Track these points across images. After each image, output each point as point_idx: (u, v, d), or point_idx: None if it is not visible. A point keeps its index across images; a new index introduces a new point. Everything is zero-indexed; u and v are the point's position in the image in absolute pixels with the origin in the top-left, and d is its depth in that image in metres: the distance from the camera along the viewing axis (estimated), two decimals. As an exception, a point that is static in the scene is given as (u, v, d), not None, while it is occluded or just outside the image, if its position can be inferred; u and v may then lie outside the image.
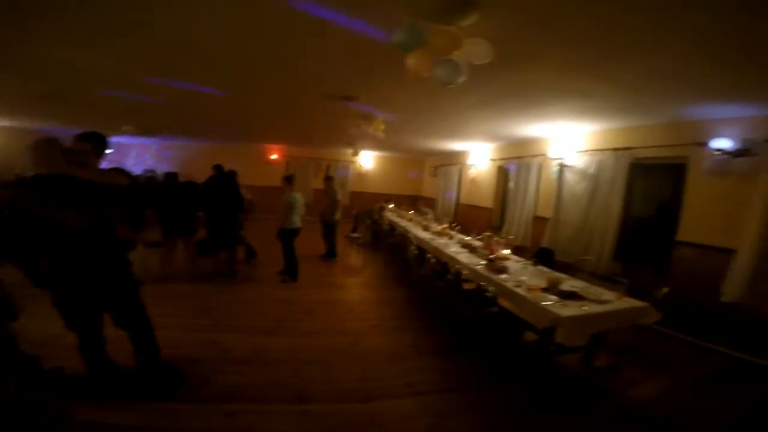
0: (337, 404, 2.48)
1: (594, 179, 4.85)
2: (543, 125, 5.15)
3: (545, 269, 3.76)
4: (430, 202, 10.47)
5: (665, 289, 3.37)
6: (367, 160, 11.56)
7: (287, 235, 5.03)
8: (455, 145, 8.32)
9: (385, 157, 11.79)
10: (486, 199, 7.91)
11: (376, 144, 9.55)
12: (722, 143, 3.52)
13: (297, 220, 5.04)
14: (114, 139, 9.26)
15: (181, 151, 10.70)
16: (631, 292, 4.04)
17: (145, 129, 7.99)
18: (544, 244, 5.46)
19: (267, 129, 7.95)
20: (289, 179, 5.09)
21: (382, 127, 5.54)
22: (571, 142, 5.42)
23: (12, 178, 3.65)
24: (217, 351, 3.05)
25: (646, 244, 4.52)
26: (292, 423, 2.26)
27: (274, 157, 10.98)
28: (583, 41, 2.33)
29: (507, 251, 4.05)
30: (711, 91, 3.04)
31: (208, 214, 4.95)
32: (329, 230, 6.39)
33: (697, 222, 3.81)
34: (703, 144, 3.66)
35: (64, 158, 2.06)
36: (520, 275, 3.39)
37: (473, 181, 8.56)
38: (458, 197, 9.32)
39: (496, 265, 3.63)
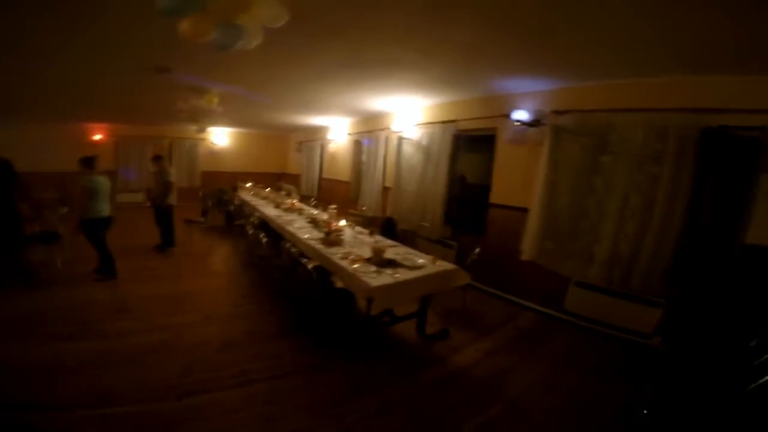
0: (147, 404, 2.28)
1: (426, 150, 5.34)
2: (386, 99, 5.37)
3: (380, 239, 3.98)
4: (296, 179, 10.13)
5: (477, 250, 3.96)
6: (221, 137, 10.40)
7: (91, 227, 4.18)
8: (316, 120, 8.14)
9: (243, 134, 10.85)
10: (344, 172, 8.04)
11: (230, 120, 8.67)
12: (520, 114, 4.13)
13: (104, 208, 4.24)
14: None
15: None
16: (459, 254, 4.67)
17: None
18: (388, 213, 5.84)
19: (82, 107, 6.35)
20: (87, 161, 4.19)
21: (216, 100, 5.02)
22: (409, 116, 5.84)
23: None
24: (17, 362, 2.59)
25: (469, 208, 5.22)
26: (98, 426, 2.07)
27: (97, 137, 8.89)
28: (404, 6, 2.32)
29: (343, 223, 4.14)
30: (513, 66, 3.40)
31: None
32: (162, 216, 5.57)
33: (503, 186, 4.52)
34: (507, 116, 4.24)
35: None
36: (353, 247, 3.50)
37: (333, 155, 8.58)
38: (321, 172, 9.26)
39: (332, 239, 3.69)
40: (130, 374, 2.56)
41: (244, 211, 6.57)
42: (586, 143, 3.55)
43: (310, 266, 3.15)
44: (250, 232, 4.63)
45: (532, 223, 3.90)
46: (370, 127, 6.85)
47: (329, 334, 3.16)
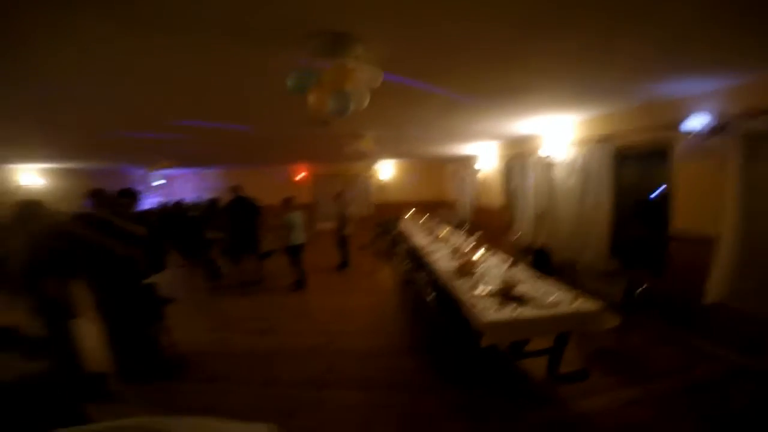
0: (294, 389, 2.94)
1: (583, 172, 4.64)
2: (533, 119, 4.99)
3: (521, 271, 3.68)
4: (453, 206, 10.41)
5: (644, 285, 3.17)
6: (386, 170, 11.80)
7: (291, 252, 5.56)
8: (464, 149, 8.26)
9: (404, 168, 11.96)
10: (496, 199, 7.74)
11: (390, 153, 9.82)
12: (697, 121, 3.20)
13: (299, 237, 5.53)
14: (162, 172, 10.58)
15: (219, 178, 11.72)
16: (629, 289, 3.85)
17: (182, 161, 8.99)
18: (541, 242, 5.27)
19: (281, 153, 8.59)
20: (286, 201, 5.63)
21: (371, 143, 5.81)
22: (560, 134, 5.25)
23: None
24: (221, 346, 3.78)
25: (636, 238, 4.19)
26: (259, 398, 2.83)
27: (301, 176, 11.68)
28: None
29: (479, 254, 4.03)
30: (691, 58, 2.57)
31: (232, 229, 5.79)
32: (341, 243, 6.92)
33: (683, 212, 3.55)
34: (679, 125, 3.36)
35: (109, 207, 3.03)
36: (487, 278, 3.40)
37: (484, 182, 8.43)
38: (473, 199, 9.19)
39: (464, 270, 3.67)
40: (293, 365, 3.33)
41: (401, 239, 7.26)
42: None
43: (429, 297, 3.25)
44: (400, 260, 5.11)
45: (723, 256, 2.93)
46: (518, 150, 6.47)
47: (448, 359, 3.22)
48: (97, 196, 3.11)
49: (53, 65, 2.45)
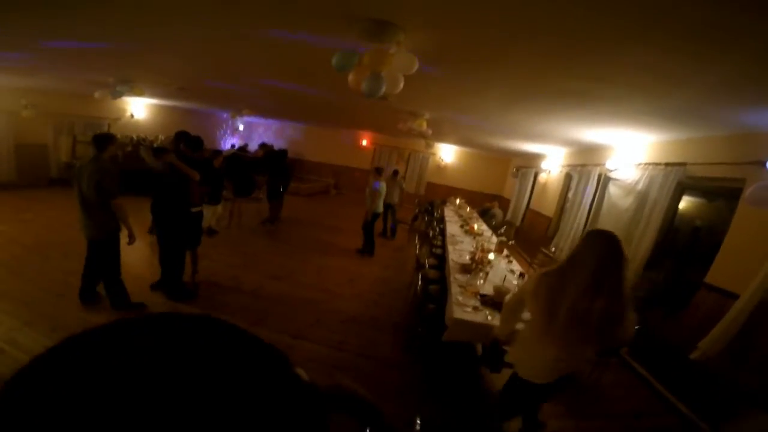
0: (276, 332, 3.26)
1: (641, 196, 4.20)
2: (603, 131, 4.59)
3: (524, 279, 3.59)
4: (506, 204, 9.99)
5: (637, 327, 2.91)
6: (448, 153, 11.61)
7: (372, 219, 5.93)
8: (531, 147, 7.79)
9: (466, 153, 11.63)
10: (550, 206, 7.28)
11: (452, 139, 9.64)
12: None
13: (380, 205, 5.90)
14: (245, 119, 11.71)
15: (294, 131, 12.54)
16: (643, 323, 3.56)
17: (261, 112, 9.88)
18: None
19: (345, 118, 8.88)
20: (377, 170, 5.99)
21: (425, 124, 5.81)
22: (629, 152, 4.73)
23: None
24: (234, 282, 4.20)
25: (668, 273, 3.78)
26: None
27: (364, 143, 12.05)
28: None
29: (491, 256, 3.99)
30: None
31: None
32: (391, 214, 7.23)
33: (729, 264, 3.08)
34: (762, 163, 2.87)
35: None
36: (486, 281, 3.40)
37: (544, 186, 7.92)
38: (529, 201, 8.72)
39: (469, 267, 3.69)
40: (284, 312, 3.66)
41: (442, 224, 7.27)
42: None
43: (419, 283, 3.34)
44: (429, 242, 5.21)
45: (731, 318, 2.68)
46: (585, 160, 5.94)
47: (419, 344, 3.21)
48: (178, 136, 3.66)
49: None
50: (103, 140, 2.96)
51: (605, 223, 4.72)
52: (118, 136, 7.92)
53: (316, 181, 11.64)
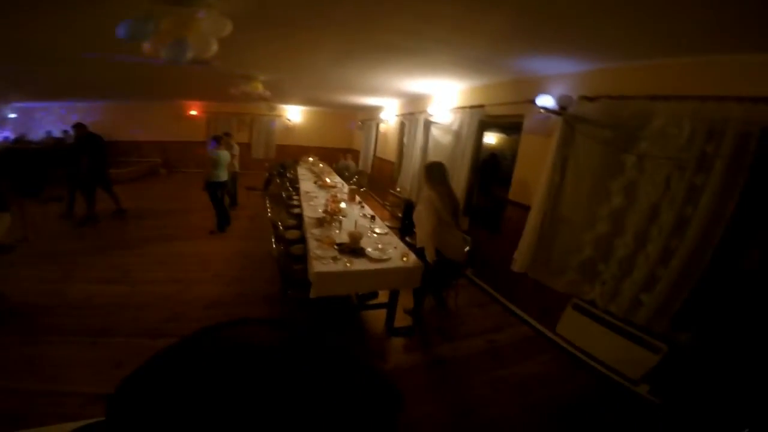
0: (130, 338, 2.85)
1: (456, 135, 5.00)
2: (425, 81, 5.09)
3: (380, 225, 3.92)
4: (358, 155, 10.45)
5: (467, 247, 3.64)
6: (294, 113, 11.19)
7: (212, 188, 5.36)
8: (372, 101, 8.16)
9: (314, 111, 11.47)
10: (392, 153, 7.99)
11: (295, 99, 9.28)
12: (545, 100, 3.51)
13: (221, 174, 5.36)
14: (15, 105, 8.62)
15: (91, 111, 9.51)
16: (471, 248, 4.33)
17: (39, 96, 7.37)
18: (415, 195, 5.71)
19: (165, 88, 7.53)
20: (216, 139, 5.48)
21: (260, 87, 5.39)
22: (445, 99, 5.49)
23: None
24: (57, 298, 3.38)
25: (490, 201, 4.80)
26: (88, 350, 2.69)
27: (193, 113, 10.44)
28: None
29: (343, 205, 4.21)
30: (539, 41, 2.76)
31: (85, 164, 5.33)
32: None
33: (522, 182, 3.99)
34: (532, 101, 3.68)
35: None
36: (342, 230, 3.57)
37: (385, 135, 8.58)
38: (375, 151, 9.36)
39: (325, 219, 3.80)
40: (132, 316, 3.16)
41: (294, 183, 7.10)
42: (609, 138, 2.89)
43: (273, 245, 3.31)
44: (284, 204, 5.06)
45: (529, 229, 3.42)
46: (413, 109, 6.62)
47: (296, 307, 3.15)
48: None
49: None
50: None
51: (433, 159, 5.46)
52: None
53: (137, 162, 9.66)
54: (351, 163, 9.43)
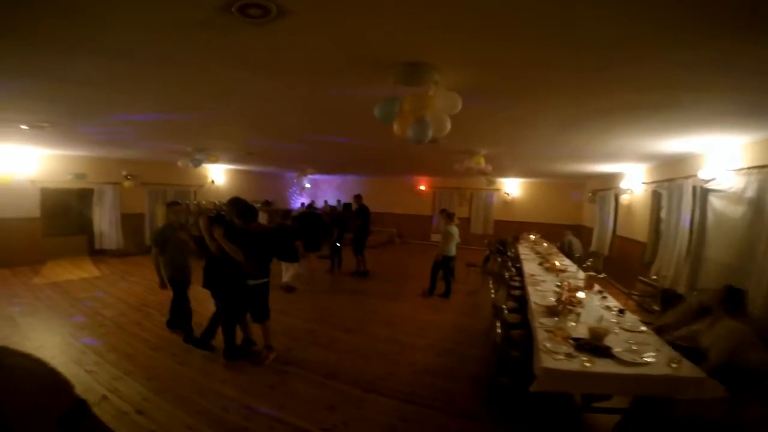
0: (348, 385, 3.20)
1: (754, 204, 3.46)
2: (688, 139, 4.01)
3: (629, 321, 3.06)
4: (589, 233, 9.03)
5: None
6: (512, 187, 11.10)
7: (446, 261, 5.96)
8: (606, 167, 7.07)
9: (534, 183, 10.99)
10: (640, 230, 6.37)
11: (515, 172, 9.26)
12: None
13: (452, 248, 5.95)
14: (310, 177, 12.73)
15: (355, 184, 12.96)
16: None
17: (322, 169, 10.64)
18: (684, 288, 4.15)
19: (399, 165, 9.14)
20: (449, 215, 6.14)
21: (483, 161, 5.68)
22: (721, 158, 4.09)
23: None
24: (311, 337, 4.30)
25: None
26: (316, 388, 3.15)
27: (422, 188, 12.15)
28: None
29: (581, 294, 3.52)
30: None
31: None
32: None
33: None
34: None
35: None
36: (579, 321, 3.01)
37: (628, 208, 7.03)
38: (614, 227, 7.76)
39: (557, 309, 3.29)
40: (356, 366, 3.59)
41: (514, 262, 6.72)
42: None
43: (498, 329, 3.04)
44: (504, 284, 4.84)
45: None
46: (672, 174, 5.20)
47: (499, 394, 2.95)
48: (232, 204, 3.52)
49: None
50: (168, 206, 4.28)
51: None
52: (203, 202, 9.03)
53: (379, 231, 11.86)
54: (575, 239, 8.20)
